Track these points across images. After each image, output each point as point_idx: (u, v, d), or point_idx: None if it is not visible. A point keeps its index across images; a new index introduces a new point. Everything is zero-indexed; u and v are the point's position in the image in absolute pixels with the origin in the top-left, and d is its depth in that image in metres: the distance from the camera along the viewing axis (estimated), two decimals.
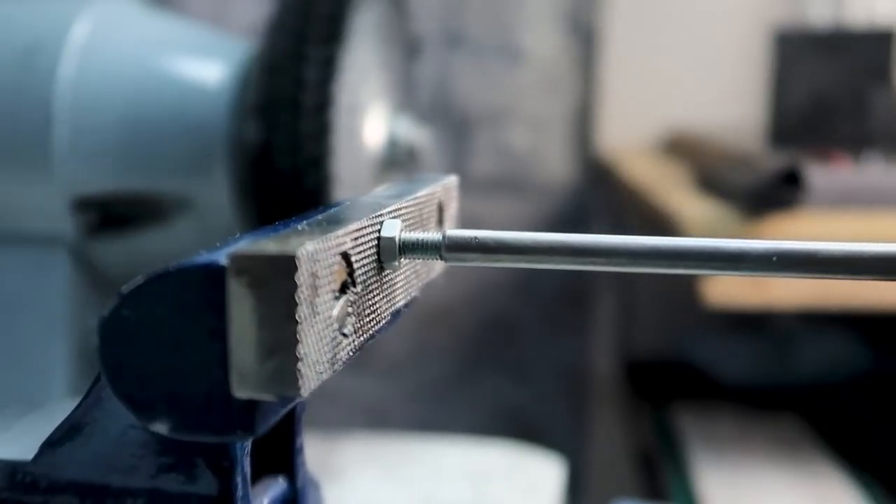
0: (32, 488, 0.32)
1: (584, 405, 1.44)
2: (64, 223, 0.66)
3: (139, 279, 0.25)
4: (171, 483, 0.31)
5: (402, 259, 0.32)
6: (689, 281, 0.90)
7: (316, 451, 0.80)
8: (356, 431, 0.93)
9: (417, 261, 0.37)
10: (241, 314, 0.24)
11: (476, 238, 0.32)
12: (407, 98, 0.82)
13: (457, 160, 1.34)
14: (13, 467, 0.32)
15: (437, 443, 0.86)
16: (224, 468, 0.31)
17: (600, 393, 1.44)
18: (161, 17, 0.75)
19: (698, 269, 0.29)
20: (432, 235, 0.32)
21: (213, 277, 0.25)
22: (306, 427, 0.39)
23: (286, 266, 0.24)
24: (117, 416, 0.30)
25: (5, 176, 0.66)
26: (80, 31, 0.67)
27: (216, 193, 0.67)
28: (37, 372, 0.65)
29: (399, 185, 0.40)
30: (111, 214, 0.67)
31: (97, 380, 0.31)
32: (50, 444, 0.32)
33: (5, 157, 0.66)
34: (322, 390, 0.28)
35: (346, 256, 0.28)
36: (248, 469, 0.32)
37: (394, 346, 1.33)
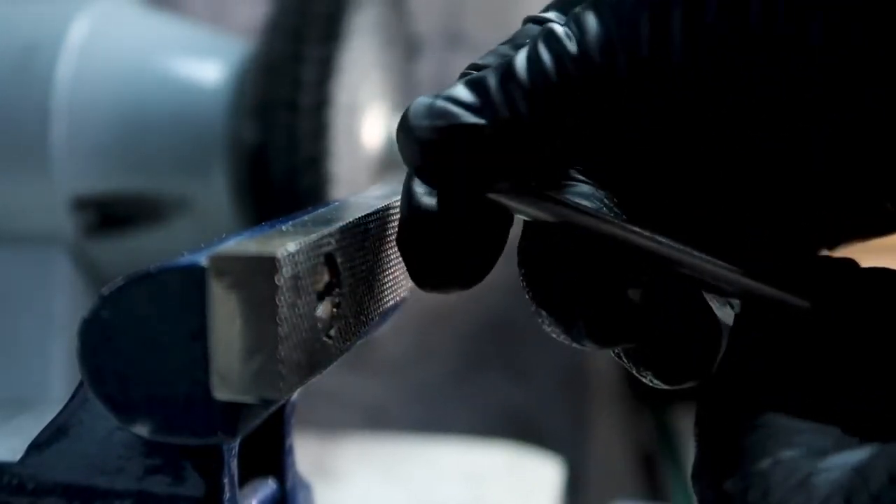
0: (20, 490, 0.32)
1: (584, 405, 1.43)
2: (64, 223, 0.66)
3: (119, 280, 0.25)
4: (158, 485, 0.31)
5: None
6: None
7: (314, 451, 0.80)
8: (355, 431, 0.93)
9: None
10: (222, 316, 0.24)
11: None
12: (407, 98, 0.81)
13: None
14: (0, 469, 0.32)
15: (436, 443, 0.86)
16: (211, 470, 0.30)
17: (600, 393, 1.43)
18: (159, 18, 0.75)
19: None
20: None
21: (194, 279, 0.25)
22: (305, 427, 0.39)
23: (267, 267, 0.24)
24: (103, 417, 0.30)
25: (4, 175, 0.67)
26: (77, 32, 0.67)
27: (214, 193, 0.67)
28: (36, 371, 0.65)
29: (390, 185, 0.40)
30: (110, 214, 0.67)
31: (83, 381, 0.31)
32: (37, 446, 0.31)
33: (4, 157, 0.66)
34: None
35: (330, 257, 0.28)
36: (235, 470, 0.32)
37: (394, 346, 1.32)
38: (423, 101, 0.29)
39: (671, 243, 0.28)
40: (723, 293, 0.29)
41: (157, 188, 0.67)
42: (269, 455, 0.36)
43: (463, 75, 0.30)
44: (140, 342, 0.26)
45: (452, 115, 0.28)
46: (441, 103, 0.28)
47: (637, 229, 0.28)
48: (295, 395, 0.34)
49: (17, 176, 0.66)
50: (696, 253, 0.28)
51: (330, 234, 0.28)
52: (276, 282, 0.24)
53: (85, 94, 0.66)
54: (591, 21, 0.28)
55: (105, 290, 0.26)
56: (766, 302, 0.27)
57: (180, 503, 0.31)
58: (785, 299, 0.27)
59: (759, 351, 0.27)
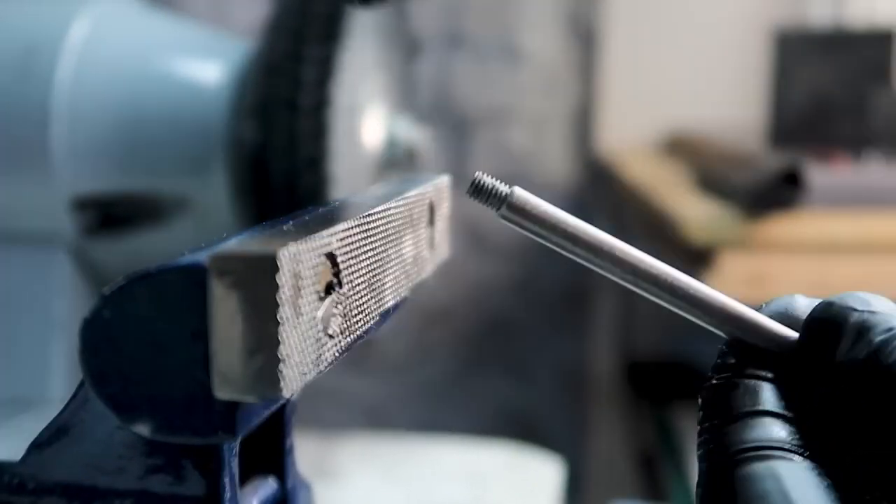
0: (20, 489, 0.32)
1: (584, 405, 1.44)
2: (64, 223, 0.66)
3: (120, 280, 0.25)
4: (159, 484, 0.31)
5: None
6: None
7: (315, 451, 0.80)
8: (356, 431, 0.93)
9: (408, 260, 0.37)
10: (223, 315, 0.24)
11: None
12: (406, 98, 0.81)
13: (457, 160, 1.34)
14: (1, 468, 0.32)
15: (436, 443, 0.86)
16: (211, 469, 0.30)
17: (600, 393, 1.44)
18: (159, 18, 0.75)
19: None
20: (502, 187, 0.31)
21: (195, 278, 0.25)
22: (306, 427, 0.38)
23: (268, 266, 0.24)
24: (104, 417, 0.30)
25: (4, 175, 0.67)
26: (78, 32, 0.67)
27: (214, 193, 0.67)
28: (36, 371, 0.65)
29: (390, 185, 0.40)
30: (110, 214, 0.67)
31: (84, 381, 0.31)
32: (37, 446, 0.32)
33: (4, 157, 0.66)
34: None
35: (331, 257, 0.28)
36: (235, 470, 0.32)
37: (394, 346, 1.33)
38: None
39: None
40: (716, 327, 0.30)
41: (157, 188, 0.67)
42: (270, 455, 0.36)
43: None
44: (141, 342, 0.26)
45: None
46: None
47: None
48: (295, 395, 0.34)
49: (17, 176, 0.66)
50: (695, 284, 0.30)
51: (330, 234, 0.28)
52: (277, 281, 0.24)
53: (85, 95, 0.66)
54: None
55: (106, 290, 0.26)
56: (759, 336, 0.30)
57: (181, 502, 0.31)
58: (776, 332, 0.30)
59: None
